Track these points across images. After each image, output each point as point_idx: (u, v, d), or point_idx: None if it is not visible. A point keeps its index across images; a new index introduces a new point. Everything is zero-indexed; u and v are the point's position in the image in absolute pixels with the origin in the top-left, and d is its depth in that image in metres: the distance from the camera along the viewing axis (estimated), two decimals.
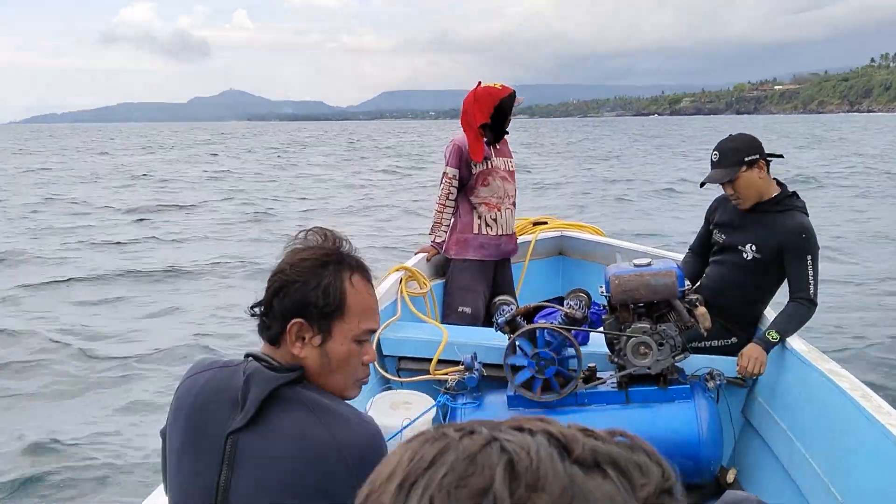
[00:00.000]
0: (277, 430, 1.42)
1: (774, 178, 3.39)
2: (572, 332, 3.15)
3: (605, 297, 3.16)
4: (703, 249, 3.66)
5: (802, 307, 3.22)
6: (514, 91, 4.16)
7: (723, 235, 3.48)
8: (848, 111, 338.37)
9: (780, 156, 3.48)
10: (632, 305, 3.12)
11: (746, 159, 3.28)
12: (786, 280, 3.34)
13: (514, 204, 4.31)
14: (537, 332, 3.10)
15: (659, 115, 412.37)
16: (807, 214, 3.35)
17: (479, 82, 4.23)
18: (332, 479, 1.40)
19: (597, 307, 3.33)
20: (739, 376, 3.28)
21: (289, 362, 1.49)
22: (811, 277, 3.21)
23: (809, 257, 3.23)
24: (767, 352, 3.15)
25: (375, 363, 3.37)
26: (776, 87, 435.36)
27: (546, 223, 5.42)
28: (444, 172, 4.20)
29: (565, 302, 3.25)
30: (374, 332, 1.57)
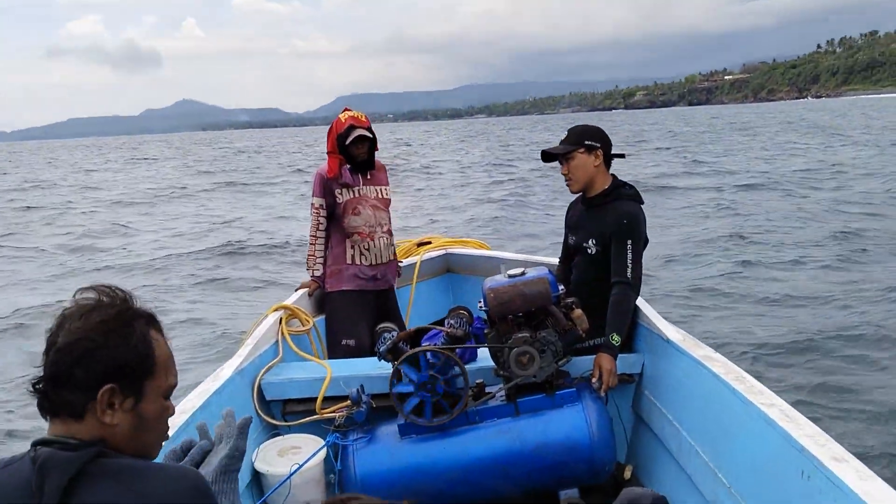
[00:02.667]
0: None
1: (612, 174, 3.50)
2: (455, 350, 3.11)
3: (484, 311, 3.14)
4: (566, 257, 3.71)
5: (622, 294, 3.25)
6: (362, 127, 4.07)
7: (573, 237, 3.57)
8: (797, 97, 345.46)
9: (622, 155, 3.59)
10: (510, 316, 3.10)
11: (586, 142, 3.41)
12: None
13: (388, 232, 4.23)
14: (420, 355, 3.05)
15: (613, 109, 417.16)
16: (638, 202, 3.43)
17: (345, 108, 4.22)
18: None
19: (479, 322, 3.31)
20: (624, 373, 3.34)
21: (93, 436, 1.37)
22: (629, 261, 3.27)
23: (629, 242, 3.29)
24: (615, 356, 3.17)
25: (259, 410, 3.27)
26: (727, 77, 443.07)
27: (430, 243, 5.44)
28: (311, 203, 4.15)
29: (446, 321, 3.22)
30: (175, 386, 1.50)
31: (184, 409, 2.65)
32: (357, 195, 4.12)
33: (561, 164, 3.48)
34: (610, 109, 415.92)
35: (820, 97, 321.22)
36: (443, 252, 5.31)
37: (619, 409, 3.39)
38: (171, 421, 2.46)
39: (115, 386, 1.37)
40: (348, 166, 4.11)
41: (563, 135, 3.53)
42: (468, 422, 3.08)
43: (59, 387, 1.36)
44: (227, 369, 3.17)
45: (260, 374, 3.37)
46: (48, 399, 1.38)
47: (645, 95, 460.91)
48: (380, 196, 4.21)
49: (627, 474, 3.27)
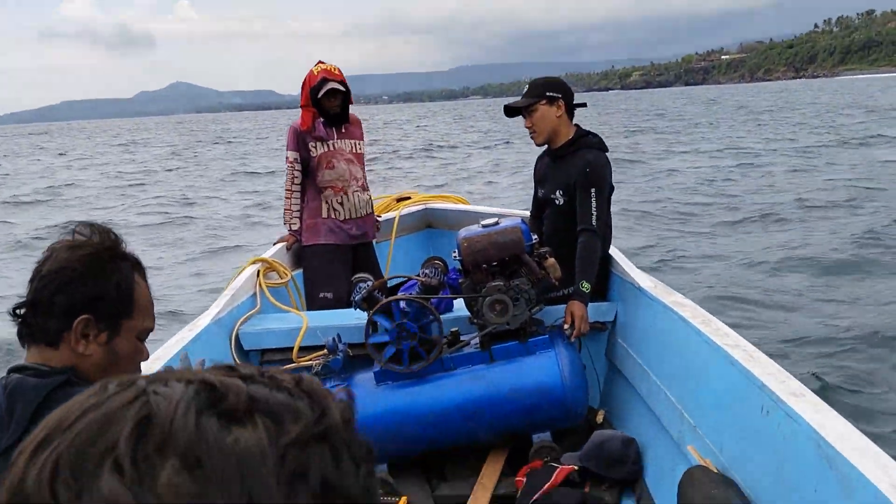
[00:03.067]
0: None
1: (576, 125, 3.53)
2: (430, 300, 3.16)
3: (458, 260, 3.19)
4: (537, 211, 3.75)
5: (588, 241, 3.30)
6: (335, 80, 4.02)
7: (541, 190, 3.62)
8: (794, 77, 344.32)
9: (584, 104, 3.62)
10: (484, 266, 3.14)
11: (548, 94, 3.43)
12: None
13: (363, 186, 4.25)
14: (394, 304, 3.09)
15: (610, 90, 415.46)
16: (603, 150, 3.47)
17: (319, 61, 4.18)
18: None
19: (455, 273, 3.36)
20: (598, 321, 3.41)
21: (65, 364, 1.42)
22: (594, 209, 3.32)
23: (593, 190, 3.33)
24: (586, 303, 3.22)
25: (236, 359, 3.30)
26: (723, 57, 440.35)
27: (409, 198, 5.46)
28: (286, 157, 4.16)
29: (421, 271, 3.26)
30: (152, 330, 1.54)
31: (158, 357, 2.69)
32: (331, 149, 4.13)
33: (524, 117, 3.51)
34: (606, 90, 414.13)
35: (816, 77, 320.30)
36: (422, 207, 5.33)
37: (593, 356, 3.46)
38: (144, 368, 2.51)
39: (91, 317, 1.42)
40: (322, 120, 4.11)
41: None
42: (443, 369, 3.14)
43: (38, 313, 1.41)
44: (204, 319, 3.21)
45: (237, 324, 3.41)
46: (27, 325, 1.43)
47: (641, 76, 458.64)
48: (354, 150, 4.21)
49: (600, 418, 3.35)
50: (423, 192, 6.16)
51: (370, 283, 3.21)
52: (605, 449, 2.90)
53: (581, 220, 3.32)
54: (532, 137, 3.54)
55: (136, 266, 1.50)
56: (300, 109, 4.16)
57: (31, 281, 1.43)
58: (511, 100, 3.69)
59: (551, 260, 3.13)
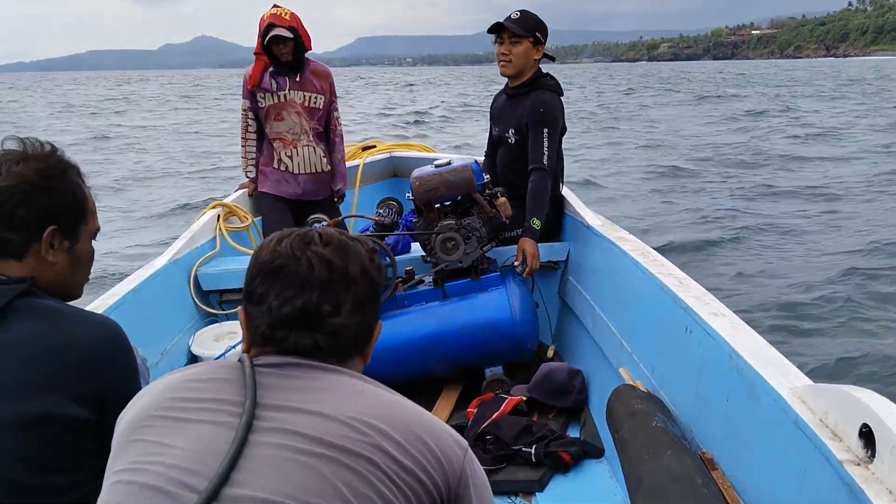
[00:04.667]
0: (11, 341, 1.40)
1: (539, 68, 3.57)
2: (385, 238, 3.24)
3: (411, 200, 3.26)
4: (492, 150, 3.79)
5: (538, 180, 3.34)
6: (282, 25, 3.82)
7: (496, 128, 3.67)
8: (824, 55, 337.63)
9: (553, 58, 3.68)
10: (437, 205, 3.21)
11: (538, 35, 3.47)
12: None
13: (315, 140, 4.09)
14: None
15: (637, 60, 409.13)
16: (557, 93, 3.51)
17: (274, 4, 3.97)
18: (66, 372, 1.40)
19: (410, 214, 3.41)
20: (550, 260, 3.50)
21: (25, 274, 1.47)
22: (545, 148, 3.36)
23: (546, 130, 3.37)
24: (536, 239, 3.29)
25: (195, 299, 3.37)
26: (753, 32, 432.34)
27: (374, 147, 5.47)
28: (241, 106, 4.10)
29: (376, 211, 3.32)
30: (99, 230, 1.64)
31: (115, 293, 2.73)
32: (280, 100, 4.00)
33: (501, 42, 3.48)
34: (634, 61, 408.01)
35: (847, 56, 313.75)
36: (387, 155, 5.36)
37: (545, 295, 3.55)
38: (102, 302, 2.53)
39: (56, 227, 1.49)
40: (272, 69, 3.96)
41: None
42: (398, 306, 3.23)
43: (1, 228, 1.46)
44: (162, 259, 3.26)
45: (196, 265, 3.46)
46: None
47: (669, 48, 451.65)
48: (308, 104, 4.05)
49: (550, 353, 3.46)
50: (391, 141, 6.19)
51: (324, 222, 3.28)
52: (551, 379, 3.01)
53: (532, 159, 3.36)
54: (502, 65, 3.52)
55: (79, 172, 1.57)
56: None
57: None
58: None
59: (502, 199, 3.20)
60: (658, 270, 2.58)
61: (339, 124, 4.21)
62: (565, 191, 3.70)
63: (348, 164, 4.88)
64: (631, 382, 2.52)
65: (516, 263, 3.25)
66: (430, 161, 5.03)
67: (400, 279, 3.27)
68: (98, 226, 1.62)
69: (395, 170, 5.44)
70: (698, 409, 2.12)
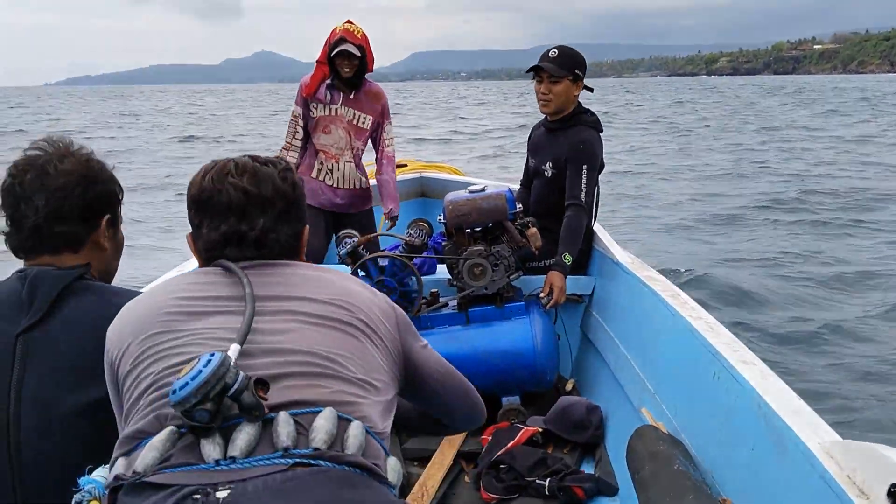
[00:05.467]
0: (71, 320, 1.47)
1: (579, 102, 3.57)
2: (412, 258, 3.24)
3: (443, 223, 3.27)
4: (527, 180, 3.79)
5: (574, 216, 3.34)
6: (353, 42, 3.85)
7: (533, 160, 3.67)
8: (888, 71, 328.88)
9: (592, 89, 3.66)
10: (468, 230, 3.22)
11: (577, 72, 3.47)
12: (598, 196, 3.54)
13: (355, 158, 4.12)
14: (378, 260, 3.18)
15: (695, 75, 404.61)
16: (597, 130, 3.52)
17: (348, 20, 3.99)
18: None
19: (440, 237, 3.42)
20: (575, 293, 3.48)
21: (77, 264, 1.55)
22: (583, 185, 3.37)
23: (585, 167, 3.38)
24: (566, 275, 3.27)
25: None
26: (815, 47, 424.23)
27: (406, 166, 5.50)
28: (292, 111, 4.13)
29: (406, 231, 3.34)
30: None
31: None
32: (331, 113, 4.03)
33: (541, 81, 3.49)
34: (692, 75, 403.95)
35: None
36: (417, 175, 5.40)
37: (568, 327, 3.53)
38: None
39: (110, 215, 1.59)
40: (329, 81, 4.01)
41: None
42: (420, 327, 3.21)
43: (62, 221, 1.52)
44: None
45: None
46: (42, 238, 1.53)
47: (728, 62, 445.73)
48: (356, 122, 4.08)
49: (569, 387, 3.43)
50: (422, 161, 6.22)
51: (355, 238, 3.30)
52: (569, 413, 2.98)
53: (570, 195, 3.36)
54: (543, 104, 3.52)
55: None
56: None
57: (30, 198, 1.51)
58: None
59: (533, 230, 3.20)
60: (688, 313, 2.56)
61: (388, 146, 4.19)
62: (596, 226, 3.69)
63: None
64: (653, 423, 2.49)
65: (542, 295, 3.24)
66: (459, 183, 5.15)
67: (425, 300, 3.26)
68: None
69: (424, 190, 5.48)
70: (722, 456, 2.10)
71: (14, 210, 1.52)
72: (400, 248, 3.31)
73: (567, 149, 3.42)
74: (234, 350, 1.20)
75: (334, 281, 1.44)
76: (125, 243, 1.73)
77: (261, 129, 31.73)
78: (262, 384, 1.18)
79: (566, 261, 3.27)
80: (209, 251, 1.42)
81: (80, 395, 1.44)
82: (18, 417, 1.42)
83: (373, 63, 4.01)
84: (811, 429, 1.70)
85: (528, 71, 3.55)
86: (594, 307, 3.53)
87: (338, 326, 1.35)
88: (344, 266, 3.29)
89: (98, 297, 1.52)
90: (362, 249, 3.29)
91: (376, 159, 4.22)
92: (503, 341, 3.14)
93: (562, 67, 3.43)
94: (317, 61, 4.02)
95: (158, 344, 1.29)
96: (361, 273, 3.20)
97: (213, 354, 1.15)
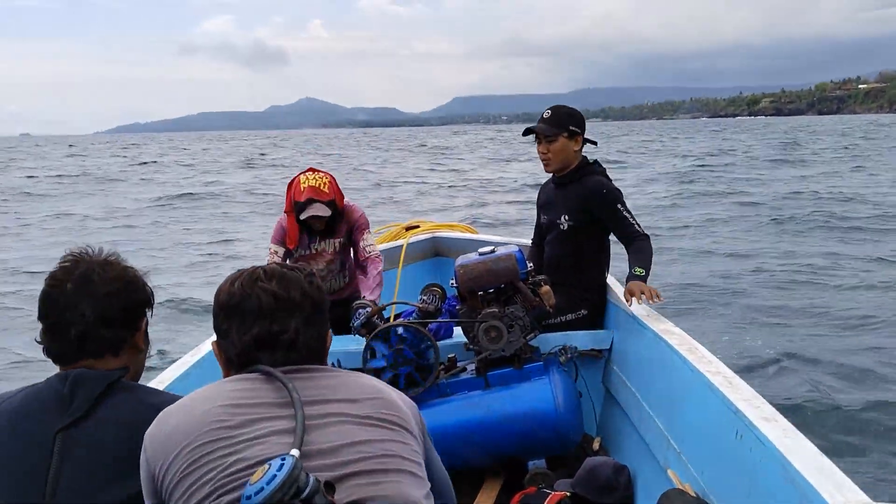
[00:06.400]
0: (108, 419, 1.53)
1: (584, 156, 3.63)
2: (428, 325, 3.23)
3: (455, 287, 3.26)
4: (539, 238, 3.81)
5: (640, 243, 3.41)
6: (322, 200, 3.61)
7: (545, 216, 3.70)
8: None
9: (595, 142, 3.72)
10: (480, 292, 3.21)
11: (571, 128, 3.52)
12: (612, 243, 3.57)
13: (342, 271, 4.01)
14: (392, 330, 3.17)
15: (737, 115, 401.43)
16: (605, 177, 3.57)
17: (309, 168, 3.81)
18: None
19: (453, 300, 3.40)
20: (594, 348, 3.47)
21: (123, 365, 1.64)
22: (631, 219, 3.44)
23: (619, 206, 3.45)
24: (644, 280, 3.27)
25: None
26: (860, 87, 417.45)
27: (418, 227, 5.55)
28: (269, 247, 3.87)
29: (419, 298, 3.33)
30: None
31: (162, 380, 2.78)
32: (311, 252, 3.92)
33: (539, 142, 3.58)
34: (733, 116, 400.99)
35: None
36: (430, 235, 5.42)
37: (589, 384, 3.48)
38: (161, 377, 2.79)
39: (146, 318, 1.68)
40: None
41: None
42: (440, 394, 3.20)
43: (108, 326, 1.60)
44: (208, 343, 3.38)
45: None
46: (86, 342, 1.59)
47: (771, 103, 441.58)
48: (336, 249, 3.94)
49: (596, 446, 3.36)
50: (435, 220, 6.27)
51: (368, 309, 3.30)
52: (597, 475, 2.91)
53: (627, 234, 3.43)
54: (545, 163, 3.61)
55: None
56: (287, 216, 3.81)
57: (75, 306, 1.58)
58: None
59: (546, 287, 3.19)
60: (706, 368, 2.51)
61: (369, 252, 3.93)
62: (610, 279, 3.68)
63: (393, 244, 5.07)
64: (679, 485, 2.43)
65: (637, 301, 3.20)
66: (472, 242, 5.19)
67: (442, 366, 3.24)
68: None
69: (438, 250, 5.49)
70: None
71: (58, 318, 1.59)
72: (414, 314, 3.30)
73: (586, 198, 3.47)
74: (294, 455, 1.25)
75: (365, 383, 1.51)
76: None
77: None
78: (329, 486, 1.24)
79: (638, 273, 3.28)
80: (241, 356, 1.46)
81: (114, 493, 1.48)
82: None
83: (342, 201, 3.81)
84: (838, 489, 1.66)
85: (524, 134, 3.64)
86: (614, 362, 3.48)
87: (381, 424, 1.43)
88: (358, 337, 3.28)
89: (135, 397, 1.58)
90: (377, 320, 3.29)
91: (358, 264, 4.01)
92: (524, 403, 3.10)
93: (555, 126, 3.51)
94: (285, 211, 3.80)
95: (211, 452, 1.32)
96: (375, 342, 3.17)
97: (283, 458, 1.21)
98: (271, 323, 1.43)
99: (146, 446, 1.39)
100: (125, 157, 54.30)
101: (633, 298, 3.20)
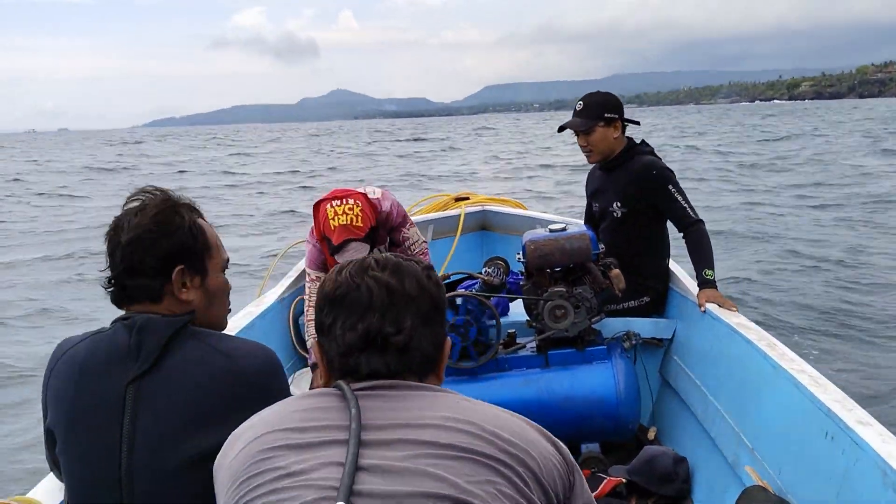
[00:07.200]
0: (179, 368, 1.47)
1: (628, 137, 3.49)
2: (491, 298, 3.15)
3: (522, 263, 3.18)
4: (592, 224, 3.67)
5: (697, 233, 3.27)
6: (357, 238, 3.12)
7: (596, 203, 3.59)
8: None
9: (637, 122, 3.57)
10: (548, 270, 3.13)
11: (606, 115, 3.39)
12: (668, 224, 3.45)
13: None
14: (456, 300, 3.10)
15: (775, 100, 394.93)
16: (655, 156, 3.45)
17: (334, 193, 3.26)
18: (234, 402, 1.46)
19: (515, 275, 3.33)
20: (655, 337, 3.37)
21: (174, 313, 1.54)
22: (683, 202, 3.30)
23: (670, 186, 3.31)
24: (715, 287, 3.17)
25: (294, 342, 3.41)
26: None
27: (468, 198, 5.45)
28: (307, 274, 3.45)
29: (483, 270, 3.26)
30: (228, 260, 1.70)
31: (230, 328, 2.84)
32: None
33: (577, 135, 3.46)
34: (771, 100, 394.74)
35: None
36: (480, 208, 5.32)
37: (647, 372, 3.41)
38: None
39: (183, 267, 1.55)
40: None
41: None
42: (498, 368, 3.14)
43: (135, 276, 1.53)
44: (272, 295, 3.31)
45: (295, 307, 3.49)
46: (125, 290, 1.55)
47: (811, 86, 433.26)
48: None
49: (651, 435, 3.29)
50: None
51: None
52: (655, 465, 2.84)
53: (681, 218, 3.30)
54: (587, 155, 3.49)
55: (193, 209, 1.63)
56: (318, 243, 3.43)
57: (112, 253, 1.55)
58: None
59: (616, 271, 3.10)
60: (790, 366, 2.41)
61: (416, 250, 3.54)
62: (672, 264, 3.57)
63: (444, 214, 5.02)
64: (759, 482, 2.34)
65: (702, 308, 3.09)
66: (522, 218, 5.10)
67: (502, 342, 3.17)
68: (226, 256, 1.68)
69: (486, 223, 5.40)
70: None
71: (108, 261, 1.57)
72: (477, 286, 3.22)
73: (636, 181, 3.35)
74: None
75: (483, 407, 1.22)
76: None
77: None
78: None
79: (708, 276, 3.17)
80: (345, 356, 1.22)
81: (190, 446, 1.43)
82: (130, 467, 1.43)
83: (376, 217, 3.29)
84: None
85: (558, 130, 3.54)
86: (675, 352, 3.38)
87: (470, 456, 1.12)
88: None
89: (203, 345, 1.51)
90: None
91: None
92: (584, 387, 3.04)
93: (589, 118, 3.39)
94: (318, 240, 3.38)
95: (258, 487, 1.14)
96: None
97: None
98: (382, 318, 1.20)
99: (215, 468, 1.25)
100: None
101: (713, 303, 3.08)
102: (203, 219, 1.64)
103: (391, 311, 1.21)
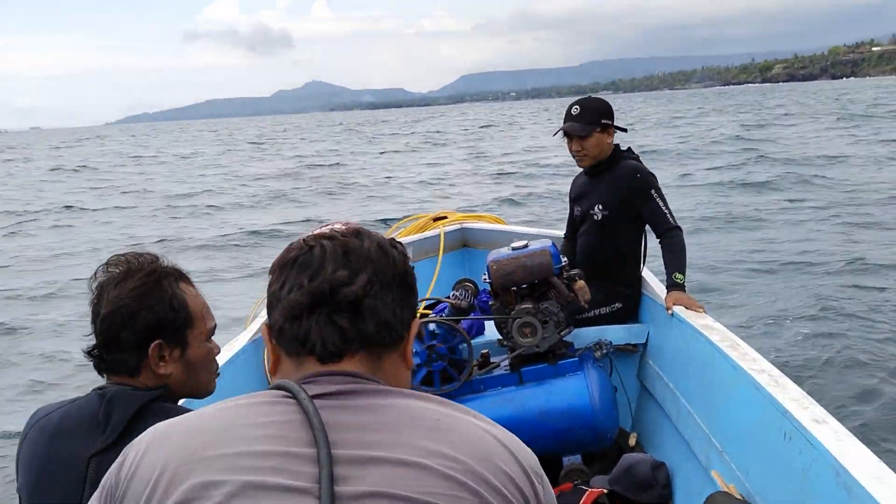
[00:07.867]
0: None
1: (616, 144, 3.55)
2: (460, 321, 3.18)
3: (488, 283, 3.21)
4: (571, 232, 3.74)
5: (673, 239, 3.31)
6: None
7: (578, 208, 3.62)
8: None
9: (625, 129, 3.62)
10: (514, 288, 3.16)
11: (603, 122, 3.43)
12: (647, 234, 3.49)
13: None
14: (424, 326, 3.13)
15: (749, 83, 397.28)
16: (638, 161, 3.49)
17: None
18: None
19: (486, 295, 3.35)
20: (629, 343, 3.41)
21: (149, 386, 1.54)
22: (664, 208, 3.34)
23: (653, 191, 3.35)
24: (683, 290, 3.21)
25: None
26: (874, 49, 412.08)
27: (446, 217, 5.48)
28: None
29: (451, 293, 3.28)
30: (216, 327, 1.66)
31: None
32: None
33: (570, 139, 3.48)
34: (744, 83, 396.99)
35: None
36: (458, 226, 5.36)
37: (624, 378, 3.43)
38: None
39: (161, 341, 1.54)
40: None
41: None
42: (472, 390, 3.16)
43: (112, 350, 1.53)
44: (244, 336, 3.30)
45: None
46: (104, 361, 1.55)
47: (784, 69, 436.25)
48: None
49: (632, 442, 3.31)
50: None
51: None
52: (634, 473, 2.87)
53: (659, 224, 3.34)
54: (579, 160, 3.51)
55: (179, 276, 1.61)
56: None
57: (94, 322, 1.55)
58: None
59: (580, 282, 3.14)
60: (750, 367, 2.43)
61: None
62: (645, 272, 3.61)
63: (424, 235, 5.04)
64: (724, 487, 2.38)
65: (669, 311, 3.15)
66: (501, 233, 5.13)
67: (476, 363, 3.20)
68: (211, 324, 1.64)
69: (466, 241, 5.44)
70: None
71: (91, 328, 1.56)
72: (446, 310, 3.24)
73: (620, 185, 3.39)
74: None
75: (458, 428, 1.03)
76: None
77: None
78: None
79: (678, 280, 3.21)
80: (293, 320, 1.03)
81: None
82: None
83: None
84: None
85: (554, 134, 3.55)
86: (650, 356, 3.42)
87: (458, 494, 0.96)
88: None
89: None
90: None
91: None
92: (559, 400, 3.06)
93: (588, 123, 3.41)
94: None
95: None
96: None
97: None
98: (334, 272, 1.03)
99: (105, 481, 1.04)
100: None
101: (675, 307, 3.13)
102: (190, 285, 1.62)
103: (346, 267, 1.05)
